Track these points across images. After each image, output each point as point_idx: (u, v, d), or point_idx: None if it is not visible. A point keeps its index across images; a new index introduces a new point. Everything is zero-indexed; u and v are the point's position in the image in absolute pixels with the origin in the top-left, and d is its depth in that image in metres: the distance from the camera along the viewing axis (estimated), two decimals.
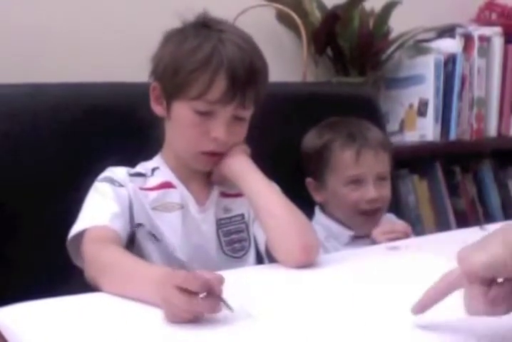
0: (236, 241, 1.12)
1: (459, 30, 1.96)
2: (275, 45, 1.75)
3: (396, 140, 1.89)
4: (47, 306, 0.81)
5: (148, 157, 1.16)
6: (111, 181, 1.06)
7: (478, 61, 1.96)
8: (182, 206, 1.09)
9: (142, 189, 1.08)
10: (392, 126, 1.92)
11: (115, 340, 0.71)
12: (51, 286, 0.88)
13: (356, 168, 1.28)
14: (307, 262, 0.98)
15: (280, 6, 1.72)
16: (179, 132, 1.08)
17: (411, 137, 1.92)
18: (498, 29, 2.01)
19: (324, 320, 0.76)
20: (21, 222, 1.13)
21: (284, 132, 1.36)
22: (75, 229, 1.00)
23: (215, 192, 1.13)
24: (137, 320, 0.76)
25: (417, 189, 1.94)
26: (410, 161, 1.89)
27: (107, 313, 0.79)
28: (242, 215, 1.13)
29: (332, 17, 1.70)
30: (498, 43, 2.00)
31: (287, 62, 1.77)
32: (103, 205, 1.02)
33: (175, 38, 1.07)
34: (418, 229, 1.86)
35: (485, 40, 1.98)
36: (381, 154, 1.30)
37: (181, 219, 1.08)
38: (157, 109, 1.09)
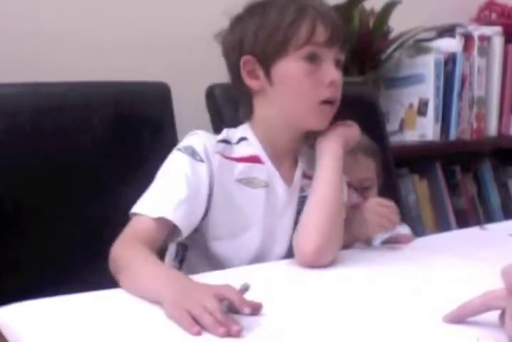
0: None
1: (459, 30, 1.97)
2: None
3: (396, 139, 1.89)
4: (47, 305, 0.81)
5: (152, 152, 1.15)
6: (192, 153, 1.03)
7: (478, 61, 1.96)
8: (267, 185, 1.07)
9: (227, 158, 1.06)
10: (392, 126, 1.93)
11: (115, 339, 0.71)
12: (51, 286, 0.88)
13: None
14: (314, 265, 0.98)
15: None
16: (290, 90, 1.05)
17: (411, 136, 1.92)
18: (498, 29, 2.01)
19: (328, 320, 0.76)
20: (21, 222, 1.13)
21: None
22: (138, 206, 0.98)
23: (299, 171, 1.11)
24: (137, 320, 0.76)
25: (417, 189, 1.94)
26: (410, 160, 1.89)
27: (107, 312, 0.79)
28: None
29: None
30: (498, 43, 2.01)
31: None
32: (172, 188, 0.99)
33: (249, 12, 1.07)
34: (418, 228, 1.86)
35: (485, 39, 1.98)
36: (362, 159, 1.26)
37: (264, 197, 1.06)
38: (253, 83, 1.06)
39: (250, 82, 1.07)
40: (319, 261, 0.99)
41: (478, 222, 1.80)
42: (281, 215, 1.08)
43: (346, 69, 1.79)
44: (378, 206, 1.10)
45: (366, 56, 1.78)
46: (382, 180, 1.33)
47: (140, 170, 1.23)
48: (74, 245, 1.16)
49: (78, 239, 1.17)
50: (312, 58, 1.03)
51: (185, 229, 0.99)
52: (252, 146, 1.08)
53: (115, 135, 1.22)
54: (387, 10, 1.79)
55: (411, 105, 1.92)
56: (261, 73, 1.05)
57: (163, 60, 1.61)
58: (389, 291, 0.88)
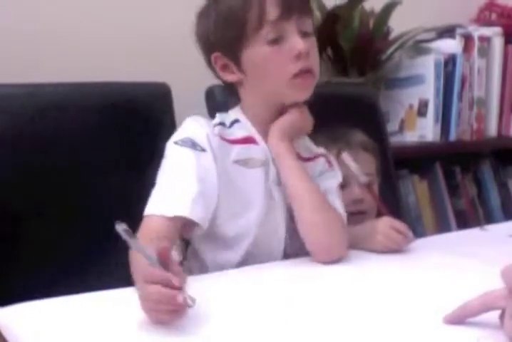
0: None
1: (459, 31, 1.97)
2: None
3: (396, 140, 1.89)
4: (47, 306, 0.81)
5: (153, 153, 1.15)
6: (193, 145, 1.02)
7: (478, 61, 1.96)
8: (264, 164, 1.07)
9: (225, 140, 1.06)
10: (392, 126, 1.93)
11: (114, 340, 0.71)
12: (51, 287, 0.88)
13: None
14: (329, 260, 1.01)
15: None
16: (262, 75, 1.05)
17: (411, 137, 1.92)
18: (498, 29, 2.02)
19: (327, 319, 0.76)
20: (21, 222, 1.13)
21: None
22: (151, 207, 0.97)
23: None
24: (136, 320, 0.76)
25: (417, 190, 1.94)
26: (410, 161, 1.89)
27: (107, 312, 0.79)
28: None
29: (332, 17, 1.70)
30: (498, 44, 2.01)
31: None
32: (183, 184, 0.99)
33: (207, 7, 1.08)
34: (418, 229, 1.86)
35: (485, 40, 1.98)
36: (362, 155, 1.27)
37: (263, 176, 1.07)
38: (229, 77, 1.08)
39: (227, 77, 1.08)
40: (330, 258, 1.01)
41: (478, 223, 1.80)
42: (278, 193, 1.07)
43: (346, 69, 1.81)
44: (390, 230, 1.10)
45: (366, 57, 1.78)
46: (381, 177, 1.33)
47: (141, 171, 1.23)
48: (74, 246, 1.16)
49: (78, 240, 1.17)
50: (274, 41, 1.02)
51: (205, 223, 1.00)
52: (245, 128, 1.09)
53: (115, 135, 1.22)
54: (387, 10, 1.79)
55: (411, 106, 1.92)
56: (233, 66, 1.06)
57: (163, 60, 1.61)
58: (389, 291, 0.87)
